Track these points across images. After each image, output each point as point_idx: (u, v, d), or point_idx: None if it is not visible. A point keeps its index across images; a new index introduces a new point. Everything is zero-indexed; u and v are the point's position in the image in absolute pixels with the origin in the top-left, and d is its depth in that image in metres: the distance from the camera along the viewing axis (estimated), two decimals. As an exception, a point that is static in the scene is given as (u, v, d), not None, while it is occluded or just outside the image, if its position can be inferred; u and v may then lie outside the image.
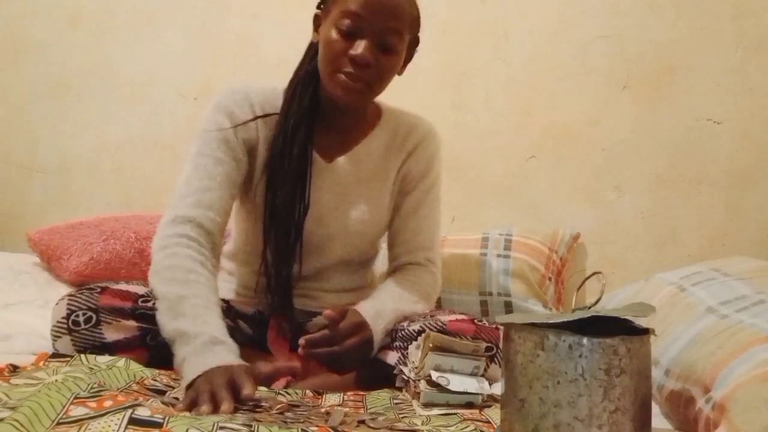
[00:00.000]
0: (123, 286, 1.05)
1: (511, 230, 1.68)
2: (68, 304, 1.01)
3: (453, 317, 1.09)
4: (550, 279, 1.62)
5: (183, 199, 1.07)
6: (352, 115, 1.21)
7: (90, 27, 2.23)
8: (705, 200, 1.67)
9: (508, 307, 1.55)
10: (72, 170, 2.23)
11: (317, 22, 1.15)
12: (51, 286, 1.67)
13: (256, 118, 1.15)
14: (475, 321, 1.08)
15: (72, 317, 1.00)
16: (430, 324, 1.06)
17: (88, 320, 1.00)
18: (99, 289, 1.03)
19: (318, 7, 1.15)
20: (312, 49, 1.16)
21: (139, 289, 1.06)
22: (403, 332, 1.08)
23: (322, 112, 1.17)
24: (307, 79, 1.15)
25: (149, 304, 1.02)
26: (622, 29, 1.73)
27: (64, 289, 1.54)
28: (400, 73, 1.18)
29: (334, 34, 1.06)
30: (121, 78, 2.19)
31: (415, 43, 1.17)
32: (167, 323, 0.94)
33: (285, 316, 1.18)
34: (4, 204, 2.31)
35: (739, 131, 1.65)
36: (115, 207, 2.13)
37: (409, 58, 1.18)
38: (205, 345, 0.89)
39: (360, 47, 1.05)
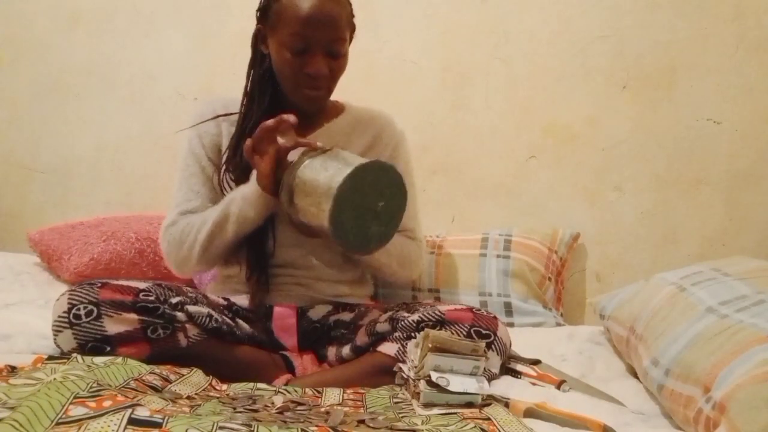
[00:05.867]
0: (123, 282, 1.07)
1: (511, 230, 1.68)
2: (69, 298, 1.02)
3: (451, 307, 1.11)
4: (549, 279, 1.62)
5: (172, 211, 1.26)
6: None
7: (90, 27, 2.23)
8: (705, 200, 1.67)
9: (508, 308, 1.55)
10: (72, 170, 2.23)
11: (261, 34, 1.25)
12: (51, 286, 1.67)
13: (216, 116, 1.29)
14: (474, 310, 1.10)
15: (73, 311, 1.01)
16: (428, 314, 1.07)
17: (89, 313, 1.01)
18: (100, 284, 1.04)
19: (259, 22, 1.25)
20: (258, 54, 1.26)
21: (140, 284, 1.07)
22: (403, 323, 1.09)
23: (283, 106, 1.25)
24: (263, 83, 1.25)
25: (150, 298, 1.04)
26: (622, 29, 1.73)
27: (65, 289, 1.54)
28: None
29: (287, 55, 1.18)
30: (121, 78, 2.19)
31: (353, 31, 1.27)
32: (218, 231, 1.17)
33: (286, 305, 1.23)
34: (4, 204, 2.31)
35: (739, 131, 1.65)
36: (115, 207, 2.13)
37: (350, 43, 1.28)
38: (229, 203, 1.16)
39: (314, 64, 1.17)
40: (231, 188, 1.22)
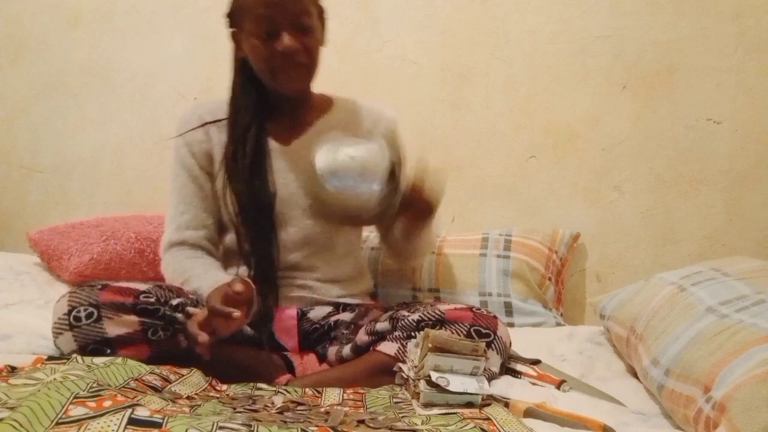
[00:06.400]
0: (123, 284, 1.07)
1: (511, 230, 1.68)
2: (69, 300, 1.02)
3: (452, 306, 1.11)
4: (549, 279, 1.62)
5: (168, 227, 1.27)
6: (302, 101, 1.30)
7: (90, 27, 2.23)
8: (705, 200, 1.67)
9: (508, 308, 1.55)
10: (72, 170, 2.23)
11: (236, 38, 1.25)
12: (51, 286, 1.67)
13: (204, 124, 1.27)
14: (474, 309, 1.10)
15: (73, 313, 1.01)
16: (429, 313, 1.07)
17: (89, 315, 1.01)
18: (100, 286, 1.04)
19: (229, 26, 1.25)
20: (239, 62, 1.26)
21: (140, 286, 1.07)
22: (403, 321, 1.09)
23: (272, 107, 1.27)
24: (247, 87, 1.25)
25: (150, 300, 1.04)
26: (622, 29, 1.73)
27: (64, 289, 1.54)
28: (323, 43, 1.26)
29: (256, 43, 1.18)
30: (121, 78, 2.19)
31: (321, 12, 1.27)
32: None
33: (284, 306, 1.23)
34: (4, 204, 2.31)
35: (739, 131, 1.65)
36: (115, 207, 2.13)
37: (323, 26, 1.27)
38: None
39: (283, 41, 1.17)
40: (234, 193, 1.23)
